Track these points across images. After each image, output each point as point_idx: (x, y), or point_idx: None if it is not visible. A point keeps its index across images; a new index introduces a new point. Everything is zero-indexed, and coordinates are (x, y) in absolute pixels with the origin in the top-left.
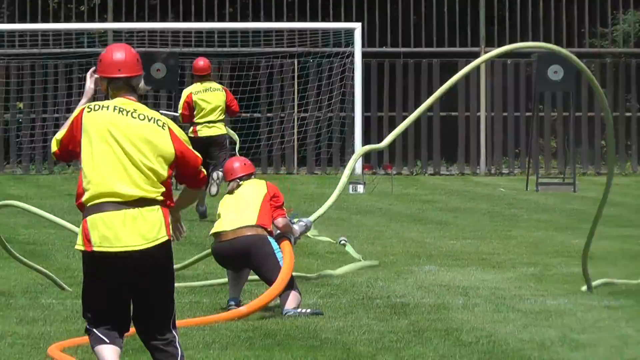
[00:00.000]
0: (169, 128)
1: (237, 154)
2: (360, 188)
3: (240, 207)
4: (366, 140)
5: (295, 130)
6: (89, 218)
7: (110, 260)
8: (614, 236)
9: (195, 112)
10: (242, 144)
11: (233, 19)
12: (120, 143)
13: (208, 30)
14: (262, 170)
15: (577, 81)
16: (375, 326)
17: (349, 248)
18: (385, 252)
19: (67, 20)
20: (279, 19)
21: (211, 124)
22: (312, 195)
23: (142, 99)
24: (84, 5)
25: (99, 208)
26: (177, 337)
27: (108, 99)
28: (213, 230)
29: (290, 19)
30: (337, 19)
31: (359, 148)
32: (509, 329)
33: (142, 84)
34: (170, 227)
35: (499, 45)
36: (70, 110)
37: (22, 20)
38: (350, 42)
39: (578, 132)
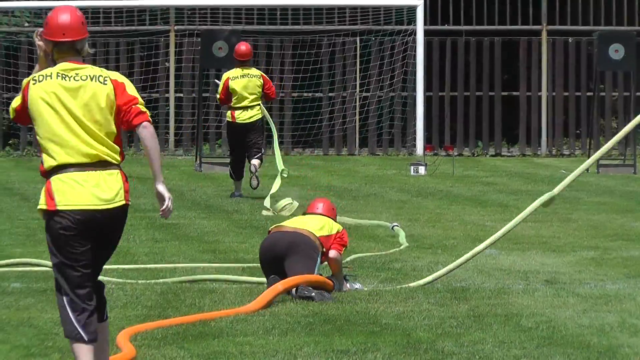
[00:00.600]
0: (110, 80)
1: (275, 141)
2: (422, 169)
3: (311, 220)
4: (428, 120)
5: (357, 110)
6: (52, 179)
7: (72, 218)
8: None
9: (232, 97)
10: (304, 124)
11: None
12: (69, 108)
13: (270, 8)
14: (323, 151)
15: (638, 60)
16: (435, 311)
17: (399, 231)
18: (446, 236)
19: None
20: None
21: (247, 110)
22: (374, 176)
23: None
24: None
25: (62, 170)
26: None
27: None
28: (274, 225)
29: None
30: None
31: (421, 127)
32: (568, 314)
33: (86, 46)
34: (129, 193)
35: (561, 24)
36: None
37: None
38: (412, 20)
39: (639, 113)
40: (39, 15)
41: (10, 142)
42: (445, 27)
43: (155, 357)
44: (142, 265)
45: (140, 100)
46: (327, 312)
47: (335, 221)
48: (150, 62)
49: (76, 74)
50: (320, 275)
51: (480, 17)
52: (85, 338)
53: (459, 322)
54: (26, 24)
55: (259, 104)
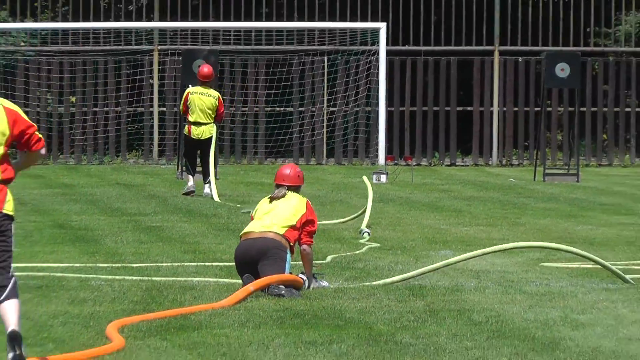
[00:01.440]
0: (3, 107)
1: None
2: (383, 178)
3: (274, 217)
4: (389, 133)
5: (325, 124)
6: None
7: None
8: (614, 223)
9: (189, 110)
10: (276, 136)
11: (269, 18)
12: None
13: (245, 29)
14: (294, 161)
15: (582, 78)
16: (394, 307)
17: (366, 238)
18: (405, 238)
19: (117, 19)
20: (310, 19)
21: (201, 126)
22: (339, 184)
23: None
24: (132, 5)
25: None
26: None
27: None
28: (243, 231)
29: (321, 19)
30: (364, 19)
31: (382, 139)
32: (515, 310)
33: None
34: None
35: (511, 45)
36: (119, 104)
37: (76, 19)
38: (375, 41)
39: (582, 126)
40: (35, 35)
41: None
42: (406, 47)
43: (141, 347)
44: (129, 265)
45: (34, 127)
46: (297, 307)
47: (300, 189)
48: (135, 79)
49: None
50: (291, 273)
51: (438, 39)
52: None
53: (416, 317)
54: (22, 44)
55: (212, 123)
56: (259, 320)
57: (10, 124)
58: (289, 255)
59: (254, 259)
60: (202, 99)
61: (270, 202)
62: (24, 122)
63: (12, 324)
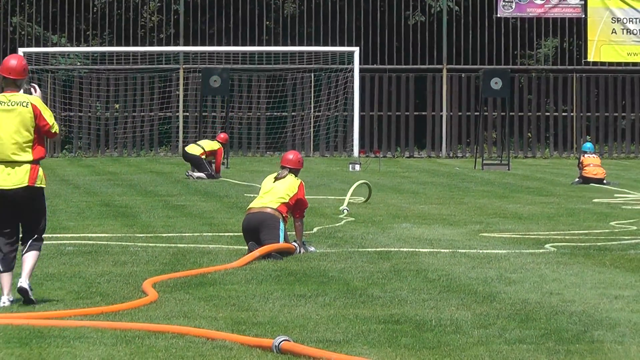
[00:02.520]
0: (32, 105)
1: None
2: (357, 167)
3: (272, 195)
4: (362, 132)
5: (312, 125)
6: None
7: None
8: (537, 202)
9: None
10: (274, 135)
11: (268, 43)
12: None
13: (251, 52)
14: None
15: (511, 90)
16: (367, 267)
17: (345, 214)
18: (374, 214)
19: (151, 44)
20: (300, 44)
21: None
22: (323, 172)
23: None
24: (163, 33)
25: None
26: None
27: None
28: (248, 207)
29: (309, 44)
30: (342, 44)
31: (356, 137)
32: (461, 270)
33: (24, 84)
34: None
35: (456, 64)
36: (152, 110)
37: (119, 44)
38: (351, 61)
39: (511, 127)
40: (87, 57)
41: (66, 147)
42: (375, 66)
43: (169, 299)
44: (160, 235)
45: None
46: (290, 267)
47: (299, 172)
48: (165, 91)
49: (9, 100)
50: (287, 241)
51: (399, 59)
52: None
53: (383, 275)
54: (78, 64)
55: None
56: (261, 278)
57: (36, 119)
58: (282, 224)
59: (255, 228)
60: None
61: (275, 181)
62: (43, 119)
63: (23, 275)
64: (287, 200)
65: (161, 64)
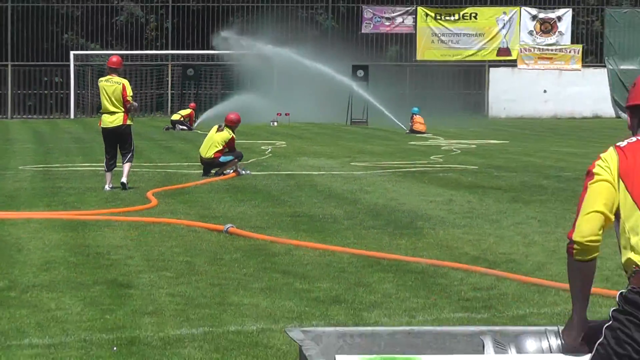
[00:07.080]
0: (122, 84)
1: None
2: (275, 123)
3: (210, 142)
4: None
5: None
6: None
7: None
8: (384, 144)
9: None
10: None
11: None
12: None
13: (210, 54)
14: None
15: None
16: (281, 183)
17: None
18: (285, 151)
19: (151, 49)
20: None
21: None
22: (256, 126)
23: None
24: (158, 42)
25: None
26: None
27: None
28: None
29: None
30: None
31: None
32: (337, 184)
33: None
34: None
35: None
36: (152, 89)
37: (131, 48)
38: None
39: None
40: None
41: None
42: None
43: (161, 203)
44: (156, 164)
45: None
46: (235, 183)
47: (237, 126)
48: (159, 78)
49: (110, 78)
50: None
51: None
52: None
53: (290, 188)
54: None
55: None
56: (217, 190)
57: (122, 92)
58: (222, 157)
59: (209, 165)
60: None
61: (216, 131)
62: (125, 93)
63: (124, 176)
64: (221, 148)
65: (157, 61)
